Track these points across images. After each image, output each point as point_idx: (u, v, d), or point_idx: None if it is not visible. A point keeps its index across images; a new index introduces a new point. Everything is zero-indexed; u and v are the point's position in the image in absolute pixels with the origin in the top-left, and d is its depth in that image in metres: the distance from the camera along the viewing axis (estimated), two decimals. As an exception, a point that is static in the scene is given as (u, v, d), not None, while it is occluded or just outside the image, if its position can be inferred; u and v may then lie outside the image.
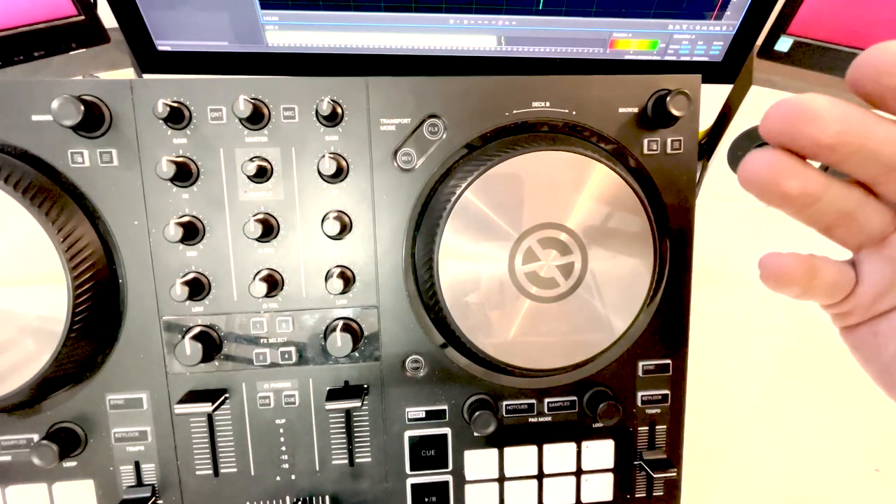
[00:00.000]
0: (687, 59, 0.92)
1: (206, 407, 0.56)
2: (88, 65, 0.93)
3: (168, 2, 0.81)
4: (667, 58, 0.92)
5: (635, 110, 0.60)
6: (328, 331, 0.59)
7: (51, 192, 0.53)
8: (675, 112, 0.57)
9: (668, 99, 0.57)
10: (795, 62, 0.91)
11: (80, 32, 0.89)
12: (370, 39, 0.86)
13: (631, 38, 0.89)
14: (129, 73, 0.95)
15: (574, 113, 0.60)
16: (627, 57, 0.91)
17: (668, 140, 0.61)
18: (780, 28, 0.90)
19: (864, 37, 0.88)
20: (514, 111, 0.60)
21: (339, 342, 0.56)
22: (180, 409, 0.56)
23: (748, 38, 0.89)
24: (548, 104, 0.60)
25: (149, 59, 0.87)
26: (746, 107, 0.93)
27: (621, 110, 0.60)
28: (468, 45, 0.88)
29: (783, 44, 0.91)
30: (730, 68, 0.93)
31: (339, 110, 0.57)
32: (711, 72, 0.93)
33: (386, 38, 0.86)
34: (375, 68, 0.89)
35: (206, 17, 0.83)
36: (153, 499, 0.60)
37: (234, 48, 0.87)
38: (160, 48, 0.86)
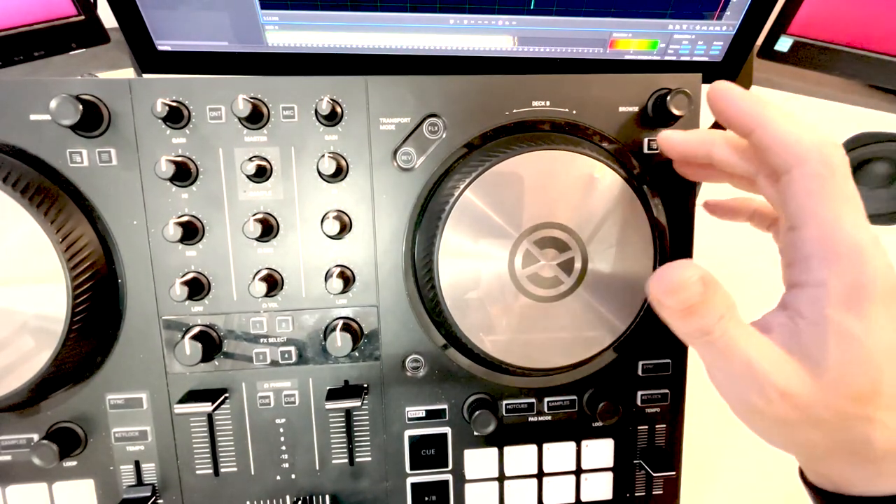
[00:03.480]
0: (687, 59, 0.92)
1: (206, 407, 0.56)
2: (88, 65, 0.93)
3: (168, 2, 0.81)
4: (667, 58, 0.92)
5: (635, 109, 0.60)
6: (328, 330, 0.59)
7: (49, 191, 0.53)
8: (676, 111, 0.57)
9: (668, 98, 0.57)
10: (795, 62, 0.92)
11: (80, 32, 0.89)
12: (369, 39, 0.86)
13: (631, 38, 0.89)
14: (129, 73, 0.95)
15: (574, 112, 0.60)
16: (627, 57, 0.91)
17: (669, 139, 0.61)
18: (780, 28, 0.90)
19: (864, 37, 0.88)
20: (514, 110, 0.59)
21: (339, 342, 0.56)
22: (180, 408, 0.56)
23: (748, 38, 0.89)
24: (548, 103, 0.60)
25: (149, 59, 0.87)
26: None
27: (622, 109, 0.60)
28: (467, 45, 0.88)
29: (783, 44, 0.91)
30: (730, 68, 0.93)
31: (338, 110, 0.57)
32: (711, 72, 0.93)
33: (385, 38, 0.86)
34: (375, 68, 0.89)
35: (206, 17, 0.83)
36: (153, 498, 0.60)
37: (234, 48, 0.87)
38: (160, 48, 0.86)
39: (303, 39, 0.86)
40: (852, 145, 0.95)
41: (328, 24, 0.84)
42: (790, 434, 0.44)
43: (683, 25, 0.87)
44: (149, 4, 0.81)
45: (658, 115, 0.59)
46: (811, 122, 0.43)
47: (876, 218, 1.03)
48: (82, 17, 0.88)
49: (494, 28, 0.86)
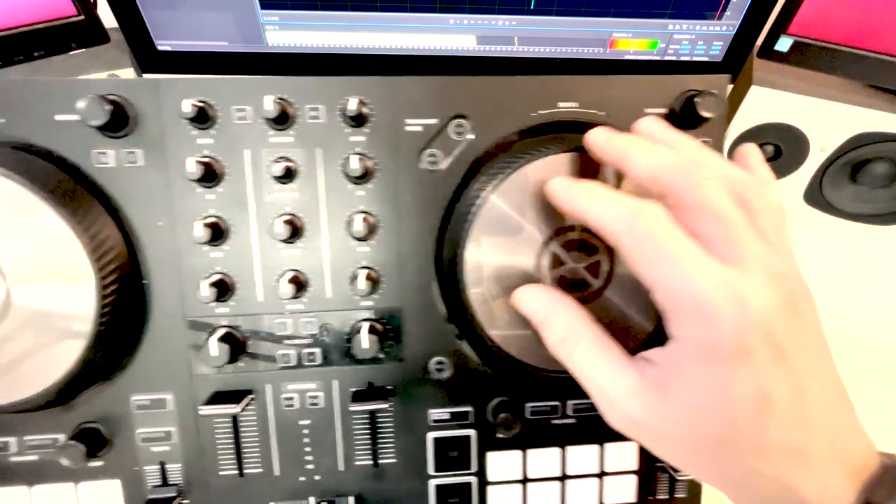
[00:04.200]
0: (687, 58, 0.93)
1: (233, 408, 0.56)
2: (88, 65, 0.92)
3: (168, 2, 0.81)
4: (667, 58, 0.92)
5: (662, 111, 0.61)
6: (353, 332, 0.59)
7: (76, 192, 0.53)
8: (705, 113, 0.57)
9: (697, 100, 0.57)
10: (795, 62, 0.92)
11: (80, 32, 0.88)
12: (369, 39, 0.86)
13: (631, 38, 0.89)
14: (129, 73, 0.94)
15: (602, 113, 0.60)
16: (627, 57, 0.92)
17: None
18: (780, 28, 0.91)
19: (865, 36, 0.89)
20: (541, 111, 0.59)
21: (365, 343, 0.56)
22: (206, 410, 0.56)
23: (748, 38, 0.90)
24: (577, 105, 0.60)
25: (149, 59, 0.87)
26: (746, 107, 0.94)
27: (647, 111, 0.60)
28: (467, 45, 0.88)
29: (783, 44, 0.91)
30: (730, 68, 0.94)
31: (365, 110, 0.57)
32: (711, 72, 0.94)
33: (385, 38, 0.86)
34: (375, 68, 0.89)
35: (206, 17, 0.83)
36: (178, 499, 0.60)
37: (235, 48, 0.86)
38: (160, 48, 0.86)
39: (303, 39, 0.86)
40: (852, 145, 0.95)
41: (328, 24, 0.84)
42: (685, 464, 0.47)
43: (683, 25, 0.88)
44: (149, 4, 0.81)
45: (686, 116, 0.59)
46: (627, 189, 0.48)
47: (876, 218, 1.04)
48: (82, 17, 0.87)
49: (495, 28, 0.86)
